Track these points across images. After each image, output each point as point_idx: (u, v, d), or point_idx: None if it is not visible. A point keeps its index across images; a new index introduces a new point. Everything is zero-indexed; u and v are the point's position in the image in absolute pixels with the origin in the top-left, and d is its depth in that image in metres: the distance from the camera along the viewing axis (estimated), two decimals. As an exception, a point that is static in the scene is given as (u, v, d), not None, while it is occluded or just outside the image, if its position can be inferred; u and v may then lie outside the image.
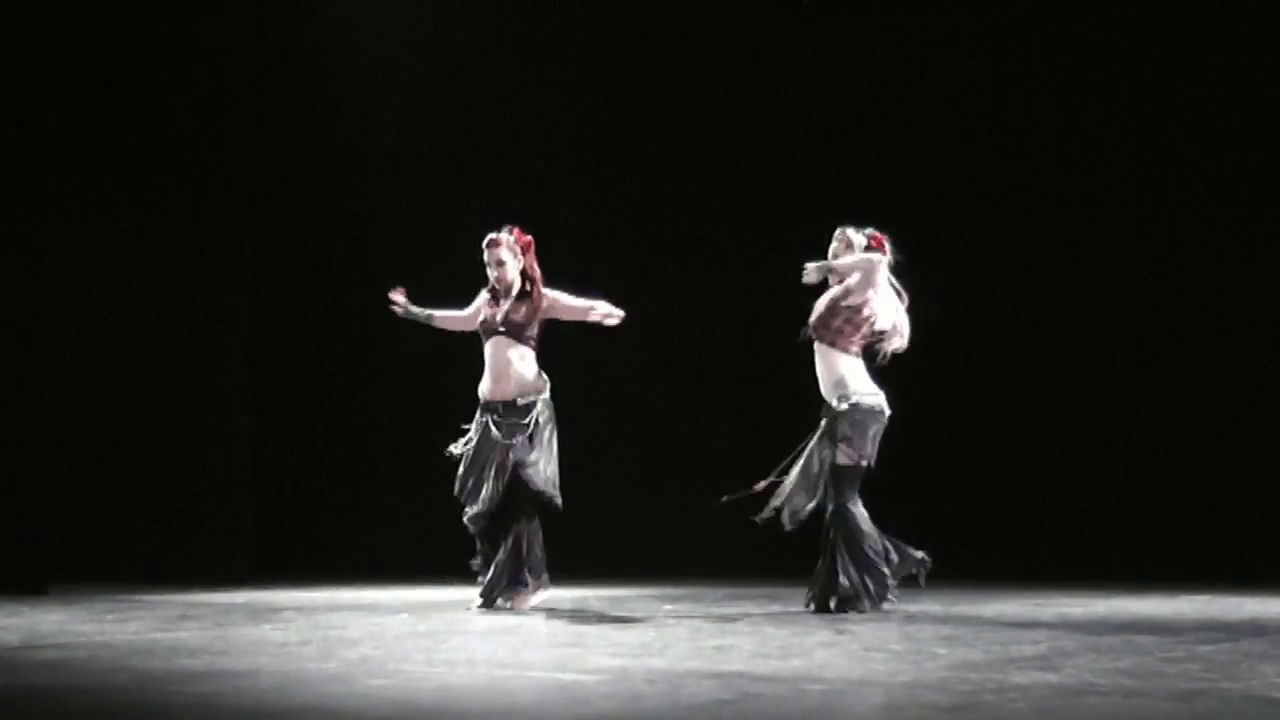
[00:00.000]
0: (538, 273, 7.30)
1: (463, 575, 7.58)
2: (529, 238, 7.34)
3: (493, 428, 7.11)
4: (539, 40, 10.44)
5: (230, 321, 10.02)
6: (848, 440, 6.66)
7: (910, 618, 6.49)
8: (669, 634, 5.90)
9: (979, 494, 9.63)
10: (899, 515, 7.46)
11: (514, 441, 7.06)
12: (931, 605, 7.11)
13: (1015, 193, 9.66)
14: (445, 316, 7.52)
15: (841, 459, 6.68)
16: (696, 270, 10.27)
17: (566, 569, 7.64)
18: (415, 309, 7.48)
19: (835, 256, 6.84)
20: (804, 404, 7.01)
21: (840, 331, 6.74)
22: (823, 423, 6.78)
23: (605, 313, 7.17)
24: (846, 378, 6.75)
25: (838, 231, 6.94)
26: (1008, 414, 9.63)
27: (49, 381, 8.67)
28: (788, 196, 9.95)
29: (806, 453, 6.79)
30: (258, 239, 10.37)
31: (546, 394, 7.20)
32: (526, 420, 7.09)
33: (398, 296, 7.44)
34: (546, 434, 7.14)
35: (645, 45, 10.34)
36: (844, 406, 6.70)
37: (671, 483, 10.07)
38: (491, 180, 10.24)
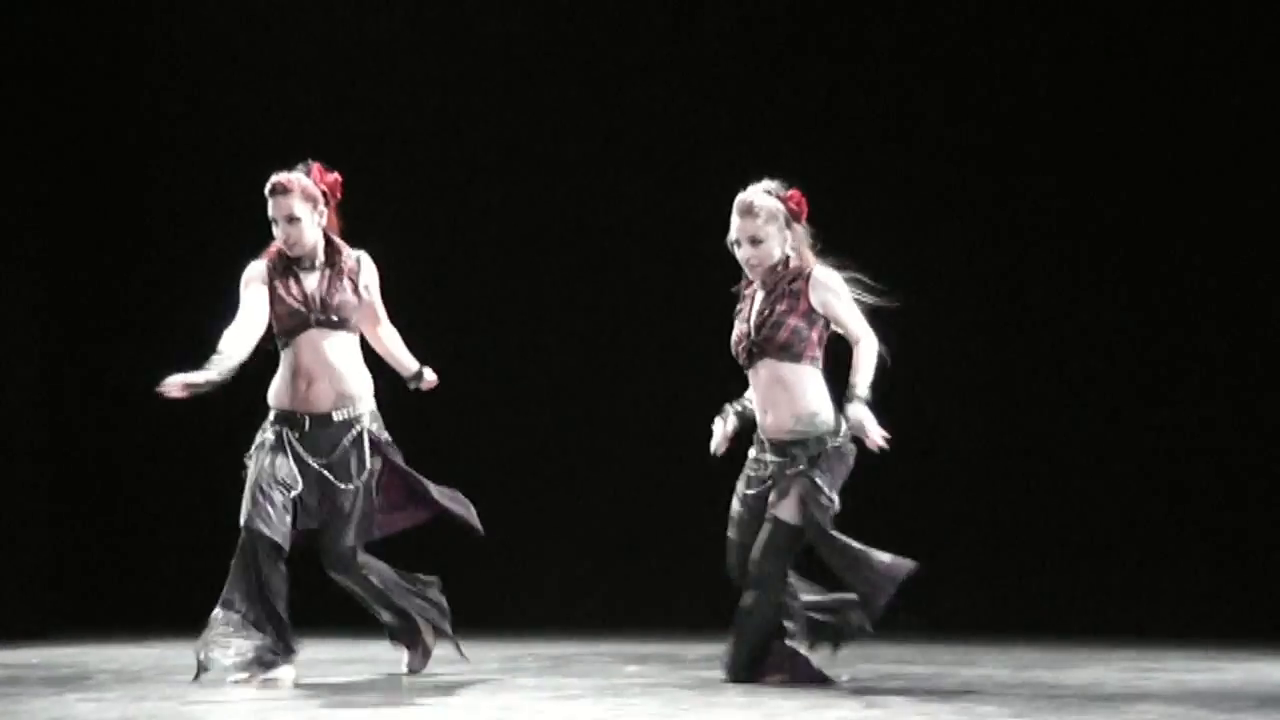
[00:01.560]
0: (338, 226, 6.55)
1: (346, 628, 7.66)
2: (335, 175, 6.54)
3: (292, 447, 6.41)
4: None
5: (21, 313, 10.04)
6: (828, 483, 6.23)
7: (967, 686, 6.33)
8: (632, 708, 5.68)
9: (1067, 530, 9.55)
10: (958, 560, 7.94)
11: (344, 485, 6.42)
12: (997, 669, 7.04)
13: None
14: (233, 349, 6.35)
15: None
16: (649, 270, 10.21)
17: (494, 620, 7.54)
18: (198, 377, 6.23)
19: (756, 239, 6.22)
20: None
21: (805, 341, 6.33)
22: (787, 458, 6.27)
23: (413, 372, 6.66)
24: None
25: (743, 203, 6.27)
26: (1110, 425, 9.68)
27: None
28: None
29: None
30: (60, 214, 10.10)
31: (371, 400, 6.55)
32: (347, 441, 6.43)
33: (175, 391, 6.23)
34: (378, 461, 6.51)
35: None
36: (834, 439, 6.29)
37: (630, 509, 9.99)
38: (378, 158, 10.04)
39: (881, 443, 6.00)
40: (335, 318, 6.37)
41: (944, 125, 9.89)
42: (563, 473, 10.14)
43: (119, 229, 10.68)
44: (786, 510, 6.10)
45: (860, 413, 6.00)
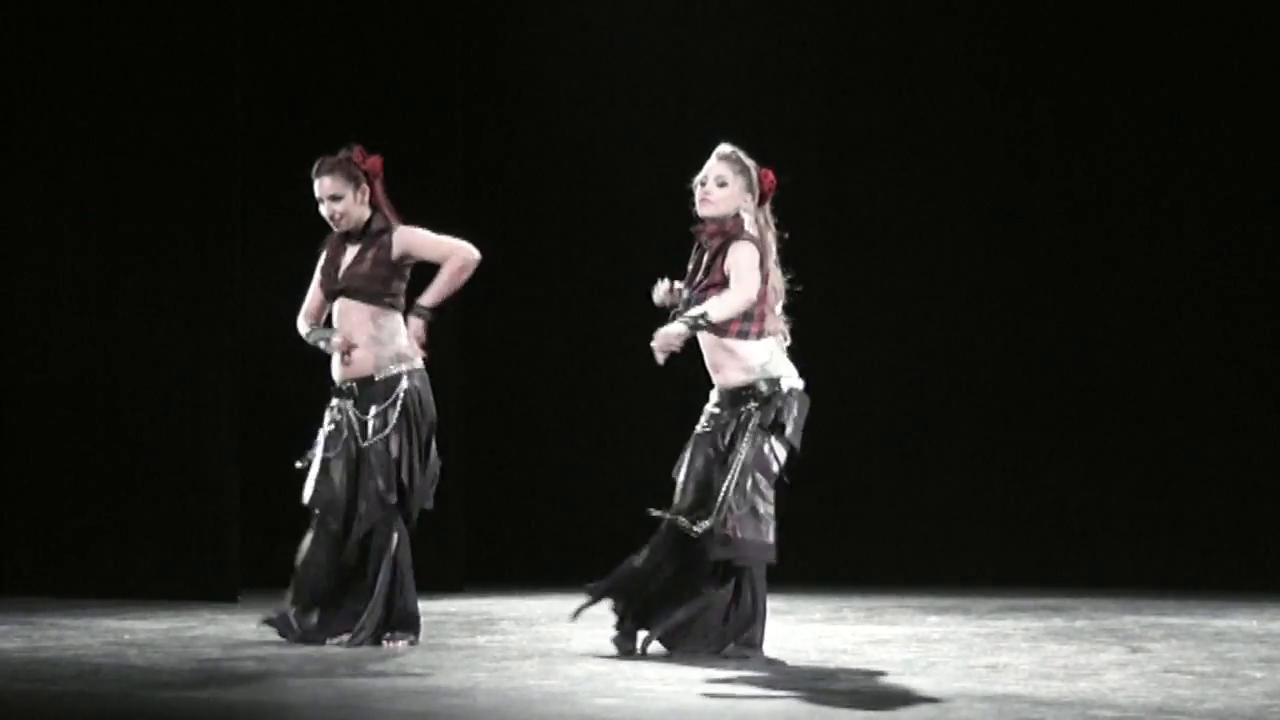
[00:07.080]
0: (387, 204, 6.28)
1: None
2: (377, 158, 6.28)
3: (349, 415, 6.19)
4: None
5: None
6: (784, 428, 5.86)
7: (1220, 635, 6.43)
8: (934, 650, 5.96)
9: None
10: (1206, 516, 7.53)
11: (370, 435, 6.14)
12: (1245, 620, 7.03)
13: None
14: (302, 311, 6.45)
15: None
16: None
17: (823, 575, 7.51)
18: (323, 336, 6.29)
19: (722, 181, 5.83)
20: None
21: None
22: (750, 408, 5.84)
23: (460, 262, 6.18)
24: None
25: (724, 150, 5.91)
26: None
27: (232, 382, 8.62)
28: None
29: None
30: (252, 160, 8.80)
31: (417, 362, 6.23)
32: (391, 399, 6.13)
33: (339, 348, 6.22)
34: (413, 416, 6.19)
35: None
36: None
37: (932, 467, 9.85)
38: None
39: (658, 348, 5.63)
40: (343, 287, 6.19)
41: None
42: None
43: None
44: (772, 448, 5.74)
45: (674, 326, 5.66)
